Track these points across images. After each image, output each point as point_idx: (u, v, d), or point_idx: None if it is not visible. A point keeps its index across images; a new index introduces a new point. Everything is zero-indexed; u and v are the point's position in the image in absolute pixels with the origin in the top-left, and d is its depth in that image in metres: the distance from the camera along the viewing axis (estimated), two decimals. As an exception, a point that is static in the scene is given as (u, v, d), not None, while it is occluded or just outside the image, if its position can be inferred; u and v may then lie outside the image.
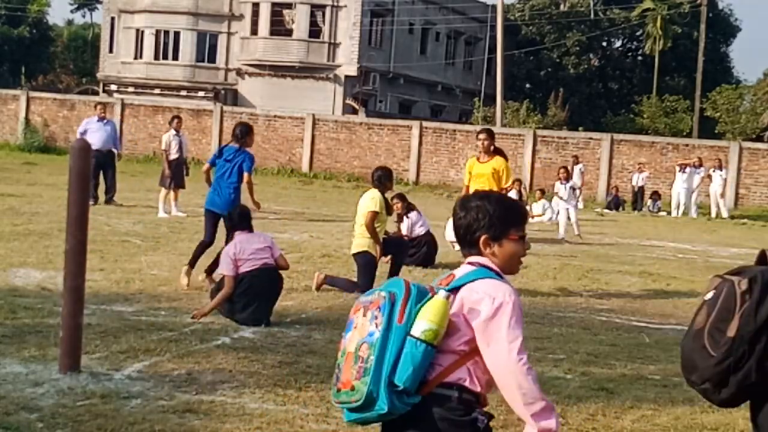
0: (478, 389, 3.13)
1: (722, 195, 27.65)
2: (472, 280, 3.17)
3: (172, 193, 17.20)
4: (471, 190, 10.22)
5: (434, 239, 12.90)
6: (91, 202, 18.97)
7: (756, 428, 3.34)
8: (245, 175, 10.11)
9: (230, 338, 7.49)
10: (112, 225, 14.69)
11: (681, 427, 5.81)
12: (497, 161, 10.74)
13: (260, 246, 8.30)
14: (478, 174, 10.67)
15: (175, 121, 17.80)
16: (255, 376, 6.35)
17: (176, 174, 17.25)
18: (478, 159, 10.94)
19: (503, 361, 3.07)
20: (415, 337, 3.04)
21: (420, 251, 12.52)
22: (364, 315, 3.14)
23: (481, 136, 10.98)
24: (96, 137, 17.24)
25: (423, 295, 3.12)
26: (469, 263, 3.25)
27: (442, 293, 3.10)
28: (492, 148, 10.81)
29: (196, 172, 18.94)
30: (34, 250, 11.35)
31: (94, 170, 17.20)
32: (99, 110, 18.56)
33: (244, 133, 10.19)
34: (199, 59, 49.60)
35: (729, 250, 17.77)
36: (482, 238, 3.22)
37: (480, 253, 3.24)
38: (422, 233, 12.69)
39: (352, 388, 3.09)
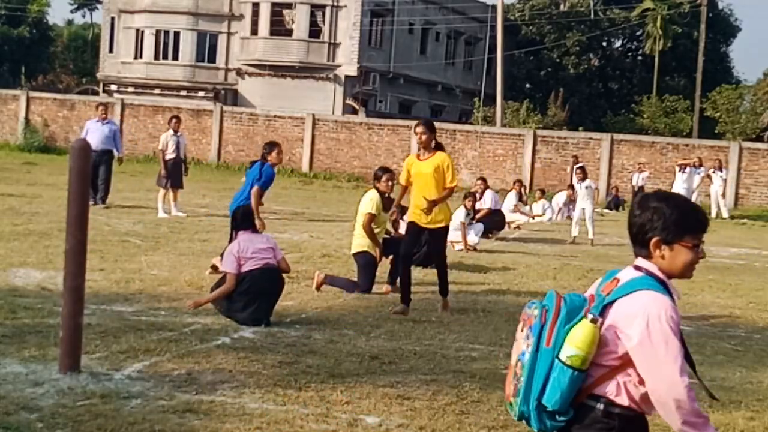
0: (627, 403, 3.09)
1: (722, 195, 27.67)
2: (631, 292, 3.10)
3: (171, 193, 17.18)
4: (412, 192, 9.28)
5: None
6: (90, 202, 18.83)
7: None
8: (255, 188, 10.96)
9: (230, 338, 7.49)
10: (112, 225, 14.69)
11: (681, 427, 5.80)
12: (438, 157, 9.19)
13: (263, 246, 8.32)
14: (418, 173, 9.18)
15: (173, 121, 17.76)
16: (255, 376, 6.34)
17: (174, 174, 17.22)
18: (417, 156, 9.38)
19: (664, 385, 3.01)
20: (561, 362, 3.03)
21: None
22: (522, 330, 3.16)
23: (419, 129, 9.26)
24: (93, 138, 17.21)
25: (574, 314, 3.08)
26: (636, 267, 3.20)
27: (590, 317, 3.05)
28: (433, 143, 9.27)
29: (195, 172, 19.05)
30: (34, 250, 11.34)
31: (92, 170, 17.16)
32: (100, 111, 18.56)
33: (265, 151, 11.23)
34: (199, 59, 49.60)
35: (729, 250, 17.76)
36: (653, 240, 3.16)
37: (649, 255, 3.18)
38: None
39: (510, 404, 3.16)
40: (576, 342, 3.02)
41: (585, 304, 3.13)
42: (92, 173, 17.02)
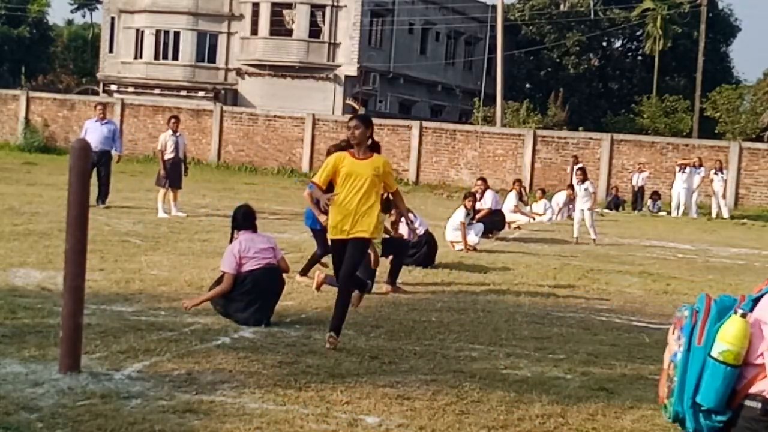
0: None
1: (723, 196, 27.69)
2: None
3: (171, 193, 17.16)
4: (341, 196, 7.63)
5: (434, 239, 12.89)
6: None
7: None
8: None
9: (230, 338, 7.49)
10: (112, 225, 14.69)
11: (681, 427, 5.80)
12: (379, 160, 7.84)
13: (264, 246, 8.32)
14: (355, 174, 7.66)
15: (172, 121, 17.68)
16: (255, 376, 6.34)
17: (173, 174, 17.16)
18: (352, 155, 7.78)
19: None
20: (714, 358, 3.05)
21: (420, 251, 12.51)
22: (673, 333, 3.20)
23: (352, 123, 7.86)
24: (92, 138, 17.13)
25: (724, 313, 3.11)
26: None
27: (739, 312, 3.07)
28: (370, 140, 7.88)
29: (195, 172, 19.07)
30: (34, 250, 11.34)
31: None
32: (98, 111, 18.47)
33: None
34: (199, 59, 49.60)
35: (729, 250, 17.77)
36: None
37: None
38: (421, 233, 12.65)
39: (665, 406, 3.20)
40: (727, 337, 3.03)
41: (735, 304, 3.16)
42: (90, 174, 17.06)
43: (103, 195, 17.66)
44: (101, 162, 17.47)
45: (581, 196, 17.94)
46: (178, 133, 17.55)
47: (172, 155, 17.30)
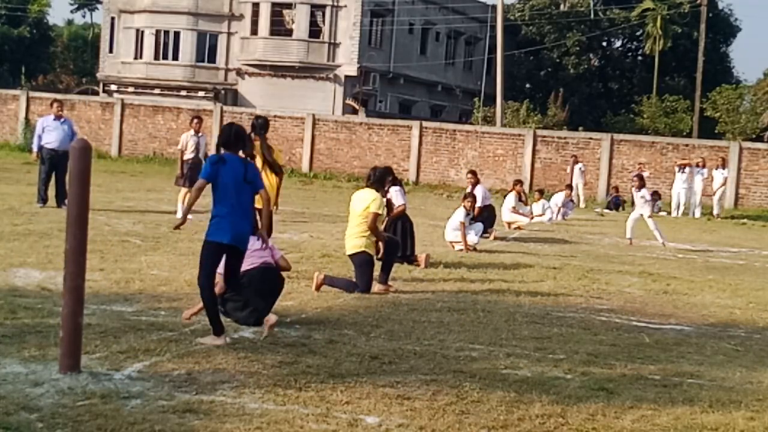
0: None
1: (714, 193, 27.76)
2: None
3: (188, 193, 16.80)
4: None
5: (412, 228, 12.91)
6: (39, 204, 17.84)
7: None
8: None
9: (230, 338, 7.49)
10: (112, 225, 14.69)
11: (681, 427, 5.80)
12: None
13: (259, 246, 8.29)
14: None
15: (195, 121, 17.38)
16: (255, 376, 6.34)
17: (193, 175, 16.88)
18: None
19: None
20: None
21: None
22: None
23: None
24: (53, 136, 16.72)
25: None
26: None
27: None
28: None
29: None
30: (34, 250, 11.34)
31: (48, 171, 16.58)
32: (56, 108, 17.36)
33: None
34: (199, 59, 49.61)
35: (729, 250, 17.77)
36: None
37: None
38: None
39: None
40: None
41: None
42: (48, 174, 16.64)
43: (62, 196, 16.04)
44: (62, 163, 15.89)
45: (639, 204, 18.12)
46: (200, 134, 17.34)
47: (192, 155, 17.05)
